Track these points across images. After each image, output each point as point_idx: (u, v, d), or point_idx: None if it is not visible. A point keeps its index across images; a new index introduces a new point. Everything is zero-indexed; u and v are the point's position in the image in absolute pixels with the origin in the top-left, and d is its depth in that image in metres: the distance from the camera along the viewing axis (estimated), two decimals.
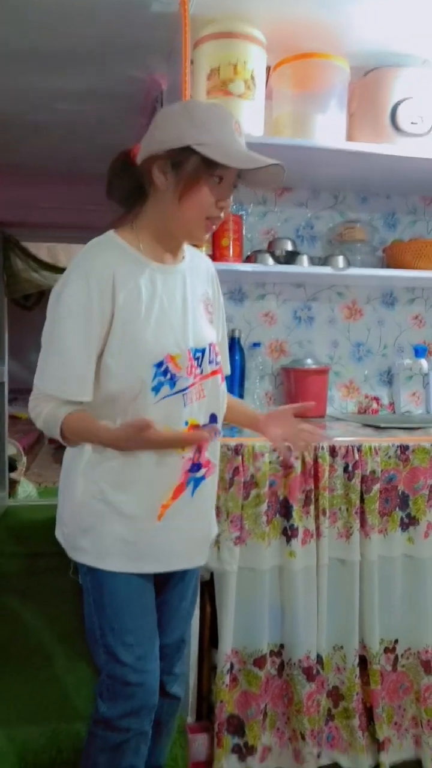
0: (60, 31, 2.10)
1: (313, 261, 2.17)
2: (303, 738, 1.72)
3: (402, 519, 1.80)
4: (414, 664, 1.84)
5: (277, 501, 1.71)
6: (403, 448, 1.78)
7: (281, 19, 1.87)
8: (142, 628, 1.29)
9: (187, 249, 1.37)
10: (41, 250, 4.59)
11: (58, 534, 1.34)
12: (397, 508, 1.79)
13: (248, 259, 2.15)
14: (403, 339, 2.43)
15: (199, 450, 1.28)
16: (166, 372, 1.21)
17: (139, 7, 1.92)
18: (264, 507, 1.68)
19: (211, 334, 1.34)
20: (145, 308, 1.22)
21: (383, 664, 1.80)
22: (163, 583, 1.37)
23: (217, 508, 1.65)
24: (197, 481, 1.29)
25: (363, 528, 1.74)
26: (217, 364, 1.32)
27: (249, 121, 1.89)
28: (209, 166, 1.16)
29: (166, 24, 1.93)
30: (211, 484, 1.34)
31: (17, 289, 4.41)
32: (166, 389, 1.21)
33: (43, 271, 4.45)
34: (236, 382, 2.27)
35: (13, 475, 4.59)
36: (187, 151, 1.16)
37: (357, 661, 1.78)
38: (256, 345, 2.29)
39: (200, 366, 1.28)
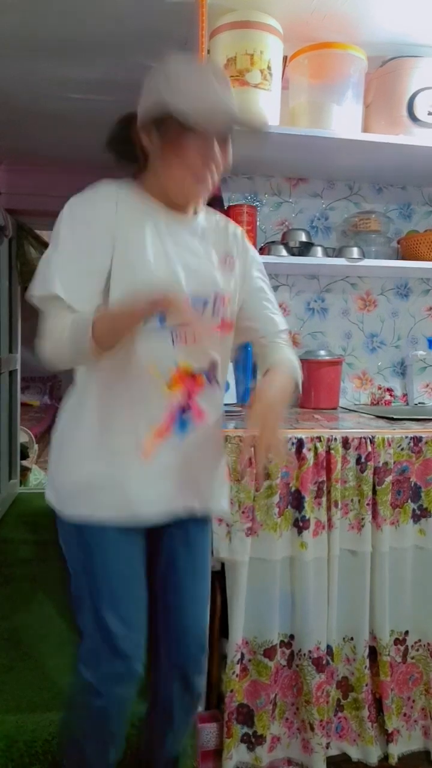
0: (75, 20, 2.10)
1: (327, 252, 2.16)
2: (312, 728, 1.73)
3: (414, 511, 1.80)
4: (424, 656, 1.84)
5: (289, 492, 1.72)
6: (416, 440, 1.77)
7: (298, 9, 1.86)
8: (130, 592, 1.27)
9: (211, 211, 1.36)
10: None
11: (49, 495, 1.30)
12: (409, 500, 1.79)
13: (262, 251, 2.14)
14: (417, 330, 2.42)
15: (189, 395, 1.25)
16: None
17: None
18: (276, 498, 1.68)
19: (221, 285, 1.29)
20: (146, 244, 1.20)
21: (393, 655, 1.81)
22: (168, 561, 1.34)
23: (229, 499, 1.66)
24: (184, 424, 1.25)
25: (375, 519, 1.75)
26: (222, 319, 1.28)
27: (265, 111, 1.88)
28: (187, 127, 1.15)
29: (182, 13, 1.92)
30: (209, 434, 1.29)
31: (31, 278, 4.41)
32: (154, 320, 1.18)
33: None
34: (248, 373, 2.27)
35: (25, 462, 4.62)
36: (166, 112, 1.15)
37: (367, 652, 1.78)
38: None
39: (202, 313, 1.25)
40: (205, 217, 1.34)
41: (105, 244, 1.18)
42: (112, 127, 1.28)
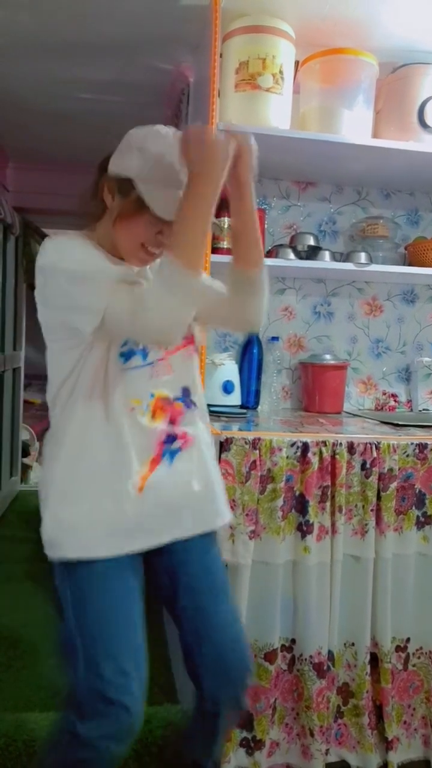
0: (88, 20, 2.10)
1: (334, 257, 2.16)
2: (312, 734, 1.73)
3: (418, 518, 1.79)
4: (425, 664, 1.84)
5: (293, 496, 1.71)
6: (422, 447, 1.77)
7: (311, 14, 1.87)
8: (125, 637, 1.19)
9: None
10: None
11: (43, 534, 1.24)
12: (414, 507, 1.79)
13: (269, 254, 2.14)
14: (423, 337, 2.42)
15: (172, 422, 1.27)
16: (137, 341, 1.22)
17: None
18: (280, 502, 1.68)
19: None
20: (117, 278, 1.18)
21: (394, 662, 1.80)
22: (186, 586, 1.30)
23: (233, 501, 1.66)
24: (173, 453, 1.26)
25: (378, 525, 1.74)
26: (183, 338, 1.29)
27: (276, 115, 1.89)
28: (147, 210, 1.16)
29: (195, 16, 1.92)
30: (194, 456, 1.30)
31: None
32: (137, 359, 1.21)
33: None
34: (254, 376, 2.27)
35: (26, 460, 4.62)
36: (131, 185, 1.16)
37: (368, 658, 1.78)
38: (274, 339, 2.29)
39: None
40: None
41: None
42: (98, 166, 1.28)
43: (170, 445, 1.27)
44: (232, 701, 1.34)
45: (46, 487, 1.26)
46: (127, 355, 1.21)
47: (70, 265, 1.16)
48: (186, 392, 1.31)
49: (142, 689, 1.19)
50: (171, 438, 1.27)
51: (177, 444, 1.28)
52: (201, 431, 1.33)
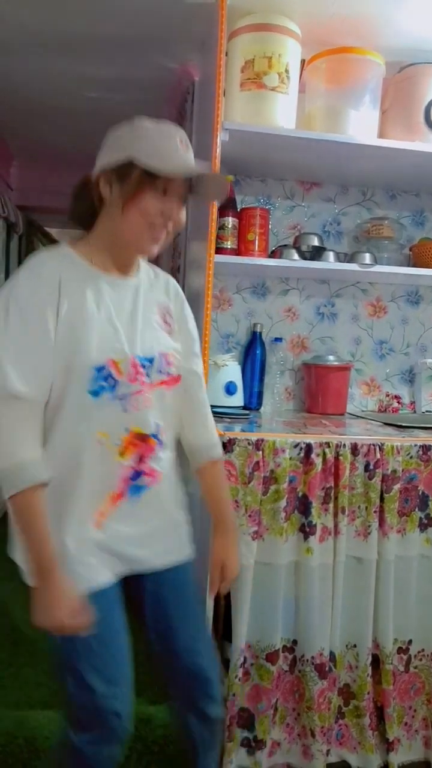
0: (93, 17, 2.09)
1: (339, 257, 2.16)
2: (313, 735, 1.72)
3: (421, 519, 1.79)
4: (427, 666, 1.83)
5: (296, 497, 1.71)
6: (426, 449, 1.76)
7: (317, 13, 1.86)
8: (108, 650, 1.22)
9: (145, 265, 1.37)
10: (64, 237, 4.61)
11: (18, 558, 1.26)
12: (417, 509, 1.78)
13: (273, 254, 2.14)
14: (427, 338, 2.42)
15: (141, 459, 1.25)
16: (108, 377, 1.19)
17: None
18: (283, 503, 1.68)
19: (165, 344, 1.30)
20: (89, 314, 1.20)
21: (396, 664, 1.80)
22: (156, 611, 1.33)
23: (236, 502, 1.65)
24: (138, 489, 1.26)
25: (381, 527, 1.74)
26: (168, 375, 1.29)
27: (282, 114, 1.88)
28: (151, 176, 1.17)
29: (201, 14, 1.91)
30: (160, 492, 1.31)
31: None
32: (106, 395, 1.19)
33: None
34: (256, 377, 2.26)
35: None
36: (131, 164, 1.18)
37: (370, 660, 1.77)
38: (277, 340, 2.28)
39: (149, 375, 1.25)
40: (144, 272, 1.35)
41: (51, 327, 1.17)
42: (73, 188, 1.29)
43: (135, 481, 1.26)
44: (202, 712, 1.37)
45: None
46: (96, 392, 1.19)
47: (5, 327, 1.15)
48: (159, 429, 1.28)
49: (129, 689, 1.23)
50: (137, 474, 1.26)
51: (143, 480, 1.27)
52: (168, 468, 1.33)
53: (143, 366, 1.24)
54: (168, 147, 1.19)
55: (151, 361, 1.26)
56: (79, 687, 1.20)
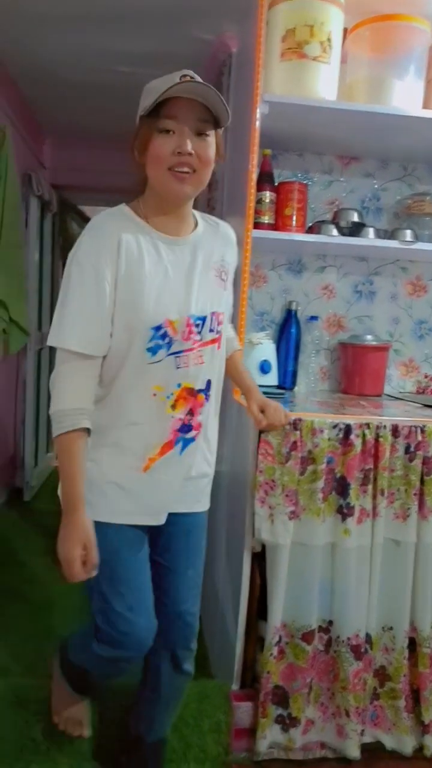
0: None
1: (378, 234, 2.10)
2: (347, 715, 1.72)
3: None
4: None
5: (334, 478, 1.69)
6: None
7: None
8: (133, 579, 1.36)
9: (204, 218, 1.40)
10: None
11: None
12: None
13: (311, 230, 2.09)
14: None
15: (191, 412, 1.33)
16: (164, 336, 1.26)
17: None
18: (320, 483, 1.66)
19: (218, 303, 1.36)
20: (148, 274, 1.25)
21: None
22: (165, 545, 1.43)
23: (272, 482, 1.64)
24: (186, 442, 1.34)
25: (421, 510, 1.71)
26: (218, 333, 1.35)
27: (324, 85, 1.82)
28: (151, 119, 1.20)
29: None
30: (201, 445, 1.39)
31: None
32: (162, 352, 1.27)
33: None
34: (291, 356, 2.23)
35: None
36: (139, 120, 1.23)
37: (407, 642, 1.76)
38: (313, 318, 2.25)
39: (200, 333, 1.31)
40: (202, 227, 1.38)
41: (110, 290, 1.24)
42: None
43: (185, 434, 1.34)
44: (176, 659, 1.48)
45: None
46: (153, 350, 1.27)
47: (67, 286, 1.24)
48: (209, 385, 1.36)
49: (149, 622, 1.37)
50: (186, 427, 1.33)
51: (191, 434, 1.35)
52: (211, 421, 1.40)
53: (196, 325, 1.31)
54: (162, 84, 1.18)
55: (203, 320, 1.32)
56: (105, 607, 1.34)
